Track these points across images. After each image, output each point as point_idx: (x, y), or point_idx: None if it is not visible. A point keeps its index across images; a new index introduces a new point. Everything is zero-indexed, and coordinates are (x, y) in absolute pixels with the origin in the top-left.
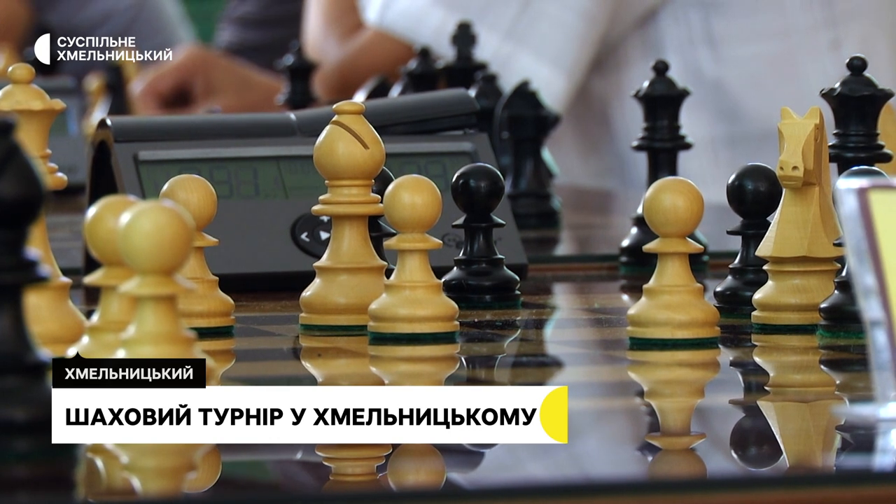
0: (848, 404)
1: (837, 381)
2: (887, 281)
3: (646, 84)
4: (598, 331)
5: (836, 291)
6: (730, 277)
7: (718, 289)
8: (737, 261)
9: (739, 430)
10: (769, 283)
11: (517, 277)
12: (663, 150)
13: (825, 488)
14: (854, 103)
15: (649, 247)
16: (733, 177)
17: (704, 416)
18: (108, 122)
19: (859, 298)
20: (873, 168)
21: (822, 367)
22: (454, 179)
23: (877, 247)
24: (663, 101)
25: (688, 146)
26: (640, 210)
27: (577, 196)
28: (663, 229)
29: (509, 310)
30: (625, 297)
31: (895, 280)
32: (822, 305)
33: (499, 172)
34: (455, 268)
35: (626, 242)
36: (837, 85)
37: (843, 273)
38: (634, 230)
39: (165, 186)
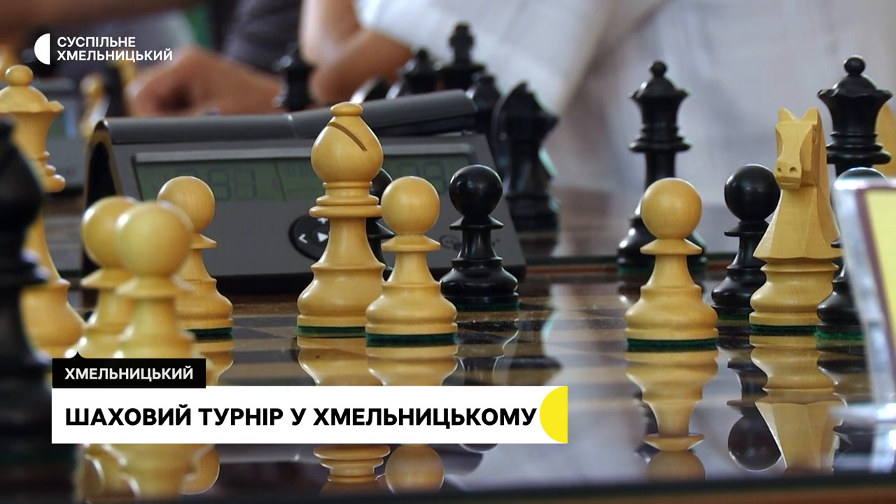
0: (846, 405)
1: (836, 383)
2: (885, 282)
3: (644, 85)
4: (596, 332)
5: (834, 293)
6: (728, 279)
7: (716, 290)
8: (735, 262)
9: (737, 431)
10: (767, 284)
11: (515, 279)
12: (661, 152)
13: (823, 489)
14: (852, 104)
15: (647, 248)
16: (731, 178)
17: (702, 417)
18: (106, 123)
19: (857, 300)
20: (871, 169)
21: (820, 368)
22: (452, 181)
23: (875, 248)
24: (661, 103)
25: (686, 147)
26: (638, 211)
27: (575, 197)
28: (661, 231)
29: (507, 311)
30: (623, 299)
31: (893, 281)
32: (821, 307)
33: (497, 174)
34: (453, 269)
35: (624, 244)
36: (835, 86)
37: (842, 274)
38: (632, 231)
39: (163, 188)
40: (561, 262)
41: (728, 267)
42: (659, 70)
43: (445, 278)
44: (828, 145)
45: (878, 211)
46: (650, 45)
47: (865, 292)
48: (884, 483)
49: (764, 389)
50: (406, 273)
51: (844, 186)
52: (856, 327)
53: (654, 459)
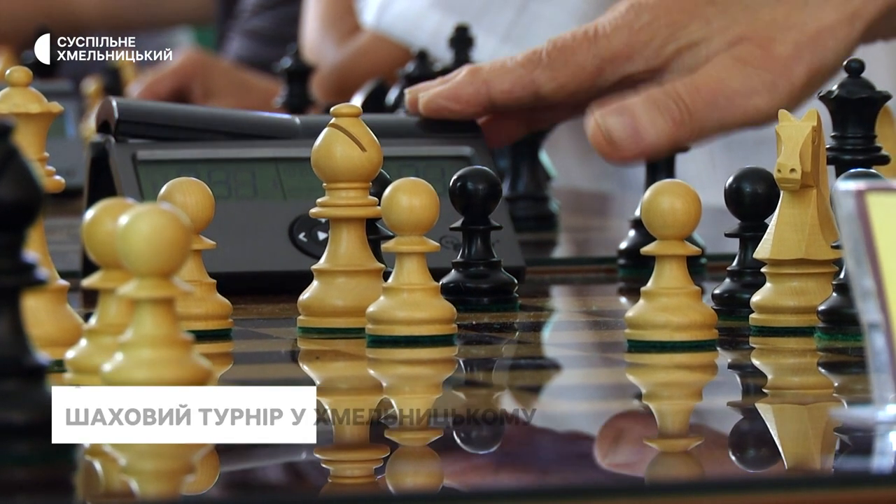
0: (846, 407)
1: (836, 384)
2: (885, 283)
3: None
4: (596, 333)
5: (834, 294)
6: (728, 280)
7: (716, 291)
8: (734, 263)
9: (737, 432)
10: (767, 285)
11: (515, 280)
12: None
13: (823, 491)
14: (852, 105)
15: (647, 249)
16: (731, 179)
17: (702, 418)
18: (114, 102)
19: (857, 301)
20: (871, 170)
21: (820, 369)
22: (452, 182)
23: (875, 249)
24: None
25: (685, 149)
26: (637, 212)
27: (575, 198)
28: (661, 232)
29: (507, 312)
30: (623, 300)
31: (893, 282)
32: (821, 308)
33: (496, 175)
34: (453, 270)
35: (623, 245)
36: (835, 87)
37: (841, 276)
38: (632, 233)
39: (163, 189)
40: (561, 264)
41: (728, 268)
42: None
43: (445, 279)
44: (827, 146)
45: (878, 212)
46: None
47: (865, 293)
48: (884, 484)
49: (764, 390)
50: (406, 274)
51: (844, 187)
52: (856, 329)
53: (654, 460)
